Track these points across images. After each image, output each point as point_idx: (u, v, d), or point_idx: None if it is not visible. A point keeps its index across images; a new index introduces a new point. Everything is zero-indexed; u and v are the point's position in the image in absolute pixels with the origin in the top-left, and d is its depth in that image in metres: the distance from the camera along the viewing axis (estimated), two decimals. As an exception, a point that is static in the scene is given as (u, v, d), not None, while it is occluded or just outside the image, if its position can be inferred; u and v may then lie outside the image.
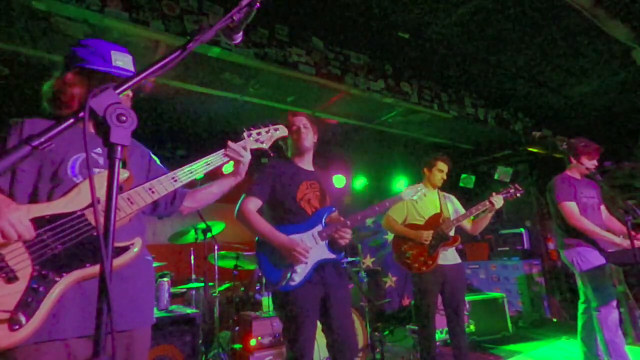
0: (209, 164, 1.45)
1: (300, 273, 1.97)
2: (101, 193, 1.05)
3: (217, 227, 3.71)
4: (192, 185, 1.57)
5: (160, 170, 1.51)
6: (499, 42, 3.75)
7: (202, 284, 3.70)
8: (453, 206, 3.22)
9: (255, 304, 3.77)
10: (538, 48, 3.85)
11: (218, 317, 3.43)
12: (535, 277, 5.83)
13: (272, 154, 1.81)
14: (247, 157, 1.58)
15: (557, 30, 3.54)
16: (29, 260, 1.04)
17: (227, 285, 4.08)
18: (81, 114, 0.73)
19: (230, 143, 1.54)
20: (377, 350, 3.60)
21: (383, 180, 7.16)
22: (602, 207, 3.17)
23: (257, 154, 1.69)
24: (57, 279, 1.05)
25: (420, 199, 2.60)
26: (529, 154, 6.35)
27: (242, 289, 4.08)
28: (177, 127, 4.88)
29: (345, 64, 3.93)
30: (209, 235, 3.57)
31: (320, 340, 2.19)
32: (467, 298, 4.36)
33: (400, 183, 6.77)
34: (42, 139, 0.72)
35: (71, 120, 0.75)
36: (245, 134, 1.63)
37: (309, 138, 2.22)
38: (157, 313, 3.00)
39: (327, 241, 2.08)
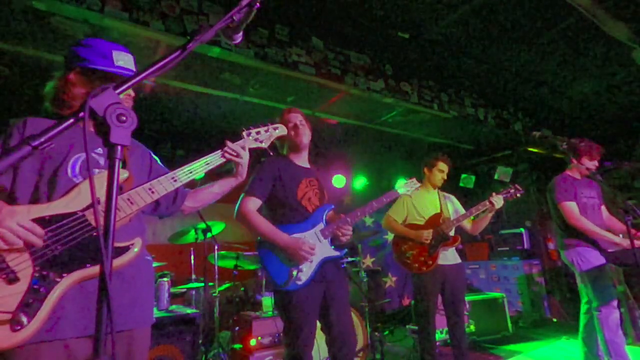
0: (208, 164, 1.45)
1: (306, 272, 1.96)
2: (101, 193, 1.05)
3: (217, 227, 3.71)
4: (192, 185, 1.57)
5: (161, 170, 1.51)
6: (499, 42, 3.75)
7: (202, 284, 3.69)
8: (453, 206, 3.22)
9: (255, 304, 3.77)
10: (538, 48, 3.84)
11: (218, 317, 3.43)
12: (535, 277, 5.83)
13: (271, 153, 1.81)
14: (245, 157, 1.57)
15: (557, 30, 3.54)
16: (30, 261, 1.04)
17: (227, 285, 4.08)
18: (81, 114, 0.73)
19: (228, 143, 1.54)
20: (377, 350, 3.60)
21: (383, 180, 7.15)
22: (603, 207, 3.17)
23: (257, 153, 1.69)
24: (58, 279, 1.05)
25: (414, 193, 2.63)
26: (529, 154, 6.35)
27: (242, 289, 4.08)
28: (177, 127, 4.88)
29: (345, 64, 3.93)
30: (209, 235, 3.56)
31: (320, 341, 2.19)
32: (467, 298, 4.36)
33: (400, 183, 6.77)
34: (42, 139, 0.72)
35: (71, 120, 0.75)
36: (244, 134, 1.63)
37: (307, 134, 2.21)
38: (157, 313, 3.00)
39: (329, 239, 2.08)
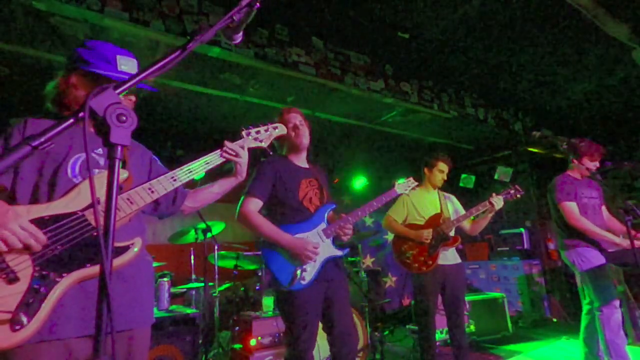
0: (208, 164, 1.45)
1: (309, 272, 1.97)
2: (101, 193, 1.05)
3: (217, 227, 3.71)
4: (192, 185, 1.57)
5: (161, 170, 1.51)
6: (499, 42, 3.75)
7: (202, 284, 3.69)
8: (453, 206, 3.22)
9: (255, 304, 3.77)
10: (538, 48, 3.85)
11: (218, 317, 3.43)
12: (535, 277, 5.83)
13: (270, 153, 1.81)
14: (244, 156, 1.57)
15: (557, 30, 3.54)
16: (30, 261, 1.04)
17: (227, 285, 4.08)
18: (81, 114, 0.73)
19: (227, 143, 1.54)
20: (377, 350, 3.60)
21: (383, 180, 7.15)
22: (604, 208, 3.17)
23: (257, 153, 1.69)
24: (58, 279, 1.05)
25: (415, 193, 2.63)
26: (529, 154, 6.36)
27: (242, 289, 4.08)
28: (177, 127, 4.89)
29: (345, 64, 3.93)
30: (209, 235, 3.56)
31: (321, 341, 2.19)
32: (467, 298, 4.35)
33: (398, 183, 6.77)
34: (42, 139, 0.72)
35: (71, 120, 0.75)
36: (244, 133, 1.63)
37: (307, 135, 2.20)
38: (157, 313, 3.00)
39: (332, 238, 2.09)
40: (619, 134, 5.95)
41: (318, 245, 1.99)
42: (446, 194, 3.28)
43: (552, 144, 5.78)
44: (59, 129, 0.74)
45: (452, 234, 2.98)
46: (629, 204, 2.44)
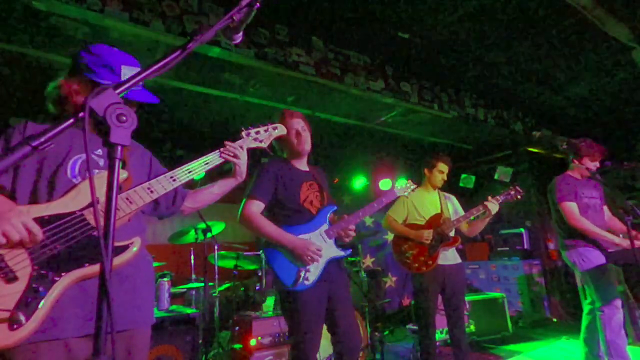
0: (207, 164, 1.45)
1: (313, 272, 1.98)
2: (100, 193, 1.05)
3: (217, 227, 3.71)
4: (192, 185, 1.57)
5: (161, 170, 1.51)
6: (499, 42, 3.75)
7: (202, 284, 3.69)
8: (453, 206, 3.22)
9: (255, 304, 3.77)
10: (538, 48, 3.85)
11: (218, 317, 3.43)
12: (535, 277, 5.83)
13: (271, 153, 1.81)
14: (243, 157, 1.57)
15: (556, 30, 3.54)
16: (29, 260, 1.04)
17: (227, 285, 4.08)
18: (81, 114, 0.73)
19: (227, 143, 1.54)
20: (377, 350, 3.60)
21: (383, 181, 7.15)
22: (605, 208, 3.16)
23: (257, 153, 1.69)
24: (57, 278, 1.05)
25: (411, 194, 2.64)
26: (529, 154, 6.35)
27: (242, 289, 4.08)
28: (177, 127, 4.88)
29: (345, 64, 3.93)
30: (209, 235, 3.56)
31: (323, 341, 2.19)
32: (467, 298, 4.35)
33: (401, 183, 6.77)
34: (42, 139, 0.72)
35: (71, 120, 0.75)
36: (243, 133, 1.63)
37: (309, 142, 2.21)
38: (157, 313, 3.00)
39: (334, 239, 2.10)
40: (619, 134, 5.95)
41: (321, 247, 2.00)
42: (446, 194, 3.28)
43: (552, 144, 5.78)
44: (58, 129, 0.74)
45: (452, 234, 2.98)
46: (629, 204, 2.44)
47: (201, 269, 3.76)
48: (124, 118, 0.74)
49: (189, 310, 3.10)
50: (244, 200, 2.08)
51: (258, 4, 0.92)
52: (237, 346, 3.28)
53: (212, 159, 1.47)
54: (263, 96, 4.02)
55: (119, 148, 0.74)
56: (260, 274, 3.79)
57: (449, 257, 2.98)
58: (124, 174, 1.26)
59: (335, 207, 2.18)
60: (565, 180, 3.09)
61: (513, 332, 4.57)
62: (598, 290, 2.83)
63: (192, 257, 4.20)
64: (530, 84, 4.68)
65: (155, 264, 3.64)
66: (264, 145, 1.69)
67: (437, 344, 3.28)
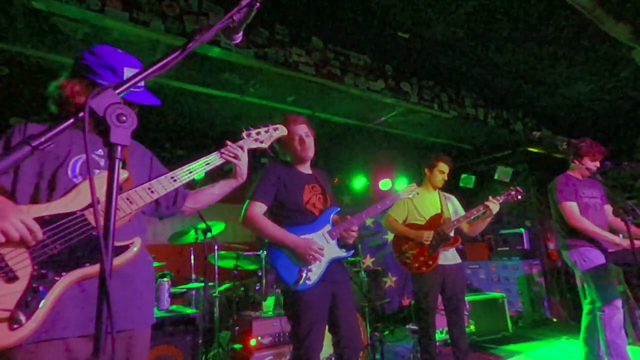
0: (208, 164, 1.45)
1: (315, 272, 1.99)
2: (101, 193, 1.05)
3: (217, 227, 3.71)
4: (192, 186, 1.57)
5: (162, 170, 1.51)
6: (499, 42, 3.75)
7: (202, 284, 3.69)
8: (453, 206, 3.22)
9: (255, 304, 3.77)
10: (538, 48, 3.85)
11: (218, 317, 3.43)
12: (535, 277, 5.83)
13: (271, 154, 1.81)
14: (244, 158, 1.57)
15: (556, 30, 3.54)
16: (29, 260, 1.04)
17: (227, 285, 4.08)
18: (81, 114, 0.73)
19: (228, 143, 1.54)
20: (377, 350, 3.60)
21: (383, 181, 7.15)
22: (607, 207, 3.16)
23: (257, 153, 1.69)
24: (57, 278, 1.05)
25: (415, 197, 2.63)
26: (529, 154, 6.35)
27: (242, 289, 4.08)
28: (177, 127, 4.89)
29: (345, 64, 3.93)
30: (209, 235, 3.56)
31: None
32: (467, 298, 4.35)
33: (400, 183, 6.78)
34: (42, 139, 0.72)
35: (71, 120, 0.75)
36: (244, 134, 1.63)
37: (312, 148, 2.22)
38: (157, 313, 3.00)
39: (337, 240, 2.11)
40: (619, 134, 5.95)
41: (323, 247, 2.01)
42: (446, 194, 3.28)
43: (552, 144, 5.78)
44: (58, 129, 0.74)
45: (452, 234, 2.98)
46: (629, 204, 2.44)
47: (201, 269, 3.76)
48: (124, 118, 0.74)
49: (189, 310, 3.10)
50: (246, 202, 2.09)
51: (258, 4, 0.92)
52: (237, 346, 3.28)
53: (213, 159, 1.47)
54: (263, 96, 4.02)
55: (119, 148, 0.74)
56: (260, 274, 3.79)
57: (449, 257, 2.98)
58: (124, 174, 1.26)
59: (339, 209, 2.19)
60: (566, 180, 3.09)
61: (513, 332, 4.57)
62: (598, 290, 2.83)
63: (192, 257, 4.20)
64: (531, 84, 4.68)
65: (155, 264, 3.63)
66: (265, 146, 1.69)
67: (437, 344, 3.28)
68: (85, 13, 2.61)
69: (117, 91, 0.78)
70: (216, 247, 3.57)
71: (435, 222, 2.98)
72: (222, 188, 1.65)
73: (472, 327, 4.27)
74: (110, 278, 0.69)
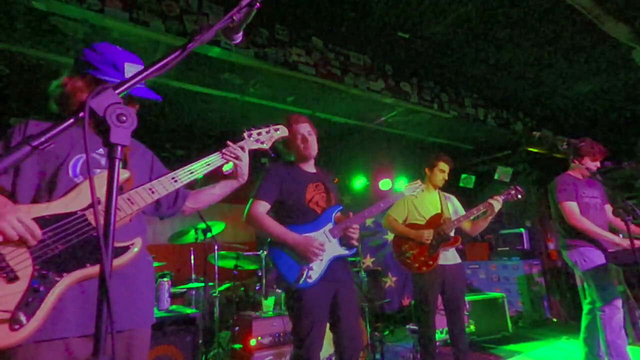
0: (209, 164, 1.45)
1: (316, 270, 1.99)
2: (101, 193, 1.05)
3: (217, 227, 3.71)
4: (192, 186, 1.57)
5: (162, 170, 1.51)
6: (499, 42, 3.75)
7: (202, 284, 3.69)
8: (453, 206, 3.22)
9: (255, 304, 3.77)
10: (538, 48, 3.84)
11: (218, 317, 3.43)
12: (535, 277, 5.83)
13: (272, 154, 1.81)
14: (244, 158, 1.57)
15: (557, 30, 3.54)
16: (30, 260, 1.04)
17: (227, 285, 4.08)
18: (81, 114, 0.73)
19: (229, 143, 1.54)
20: (377, 350, 3.60)
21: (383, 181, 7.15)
22: (607, 207, 3.16)
23: (257, 154, 1.69)
24: (58, 278, 1.05)
25: (419, 194, 2.64)
26: (529, 154, 6.35)
27: (242, 289, 4.08)
28: (177, 127, 4.88)
29: (345, 64, 3.93)
30: (209, 235, 3.56)
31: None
32: (467, 298, 4.35)
33: (400, 183, 6.78)
34: (42, 139, 0.72)
35: (71, 120, 0.74)
36: (245, 134, 1.63)
37: (315, 146, 2.23)
38: (157, 313, 3.00)
39: (339, 238, 2.11)
40: (619, 134, 5.95)
41: (324, 243, 2.01)
42: (447, 194, 3.28)
43: (552, 144, 5.78)
44: (58, 128, 0.74)
45: (452, 234, 2.98)
46: (629, 203, 2.44)
47: (201, 269, 3.76)
48: (124, 118, 0.74)
49: (189, 310, 3.10)
50: (250, 200, 2.11)
51: (258, 4, 0.92)
52: (237, 346, 3.28)
53: (214, 160, 1.47)
54: (263, 96, 4.02)
55: (119, 148, 0.74)
56: (260, 274, 3.79)
57: (449, 257, 2.98)
58: (125, 174, 1.26)
59: (341, 207, 2.20)
60: (566, 180, 3.08)
61: (513, 332, 4.57)
62: (599, 290, 2.83)
63: (192, 257, 4.20)
64: (531, 84, 4.68)
65: (155, 264, 3.64)
66: (266, 146, 1.69)
67: (437, 344, 3.28)
68: (85, 13, 2.61)
69: (117, 91, 0.78)
70: (216, 247, 3.57)
71: (436, 222, 2.98)
72: (222, 188, 1.65)
73: (472, 327, 4.27)
74: (110, 278, 0.69)
